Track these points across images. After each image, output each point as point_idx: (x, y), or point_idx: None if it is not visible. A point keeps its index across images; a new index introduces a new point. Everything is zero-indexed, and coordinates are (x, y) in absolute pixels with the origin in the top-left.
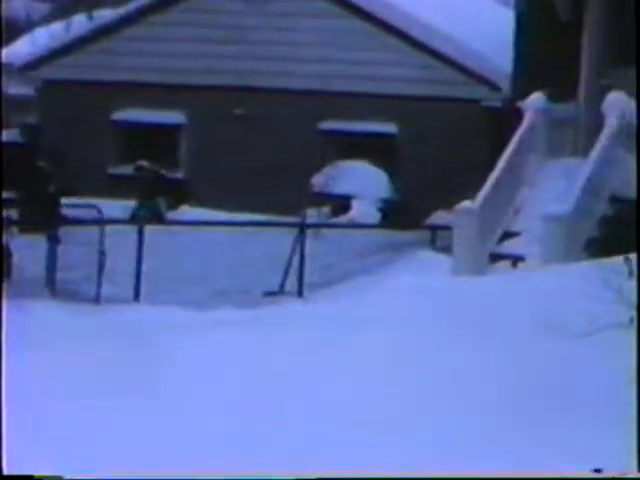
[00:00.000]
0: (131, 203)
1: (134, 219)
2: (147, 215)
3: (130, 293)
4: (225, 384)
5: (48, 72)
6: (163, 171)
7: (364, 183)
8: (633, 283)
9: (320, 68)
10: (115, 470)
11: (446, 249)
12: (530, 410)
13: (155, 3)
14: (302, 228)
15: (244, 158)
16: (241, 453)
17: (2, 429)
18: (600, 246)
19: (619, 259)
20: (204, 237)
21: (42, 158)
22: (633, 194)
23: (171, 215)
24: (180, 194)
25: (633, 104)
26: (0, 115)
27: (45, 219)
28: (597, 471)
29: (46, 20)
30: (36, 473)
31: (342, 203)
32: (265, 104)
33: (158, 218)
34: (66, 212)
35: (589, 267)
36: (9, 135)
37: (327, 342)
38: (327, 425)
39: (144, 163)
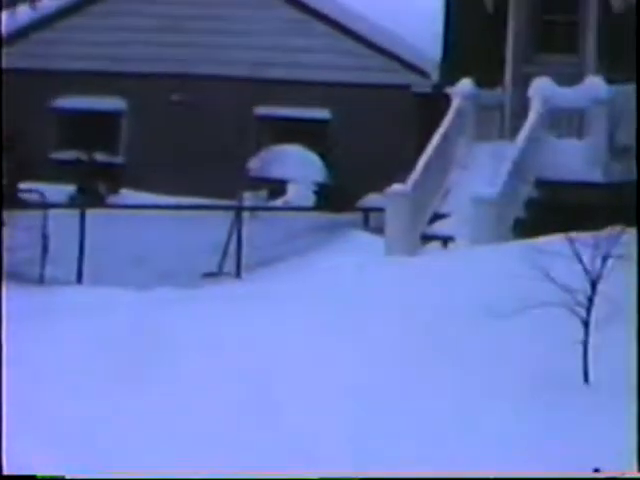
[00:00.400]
0: (73, 187)
1: (73, 203)
2: (85, 199)
3: (73, 275)
4: (165, 358)
5: None
6: (102, 156)
7: (299, 167)
8: (564, 263)
9: (255, 55)
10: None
11: (379, 230)
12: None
13: None
14: (239, 211)
15: (182, 143)
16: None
17: (2, 429)
18: (526, 227)
19: (545, 239)
20: (146, 220)
21: None
22: (557, 177)
23: (112, 199)
24: (120, 178)
25: (557, 89)
26: (0, 116)
27: None
28: (597, 471)
29: None
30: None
31: (278, 186)
32: (202, 91)
33: (98, 202)
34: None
35: (516, 247)
36: None
37: (257, 315)
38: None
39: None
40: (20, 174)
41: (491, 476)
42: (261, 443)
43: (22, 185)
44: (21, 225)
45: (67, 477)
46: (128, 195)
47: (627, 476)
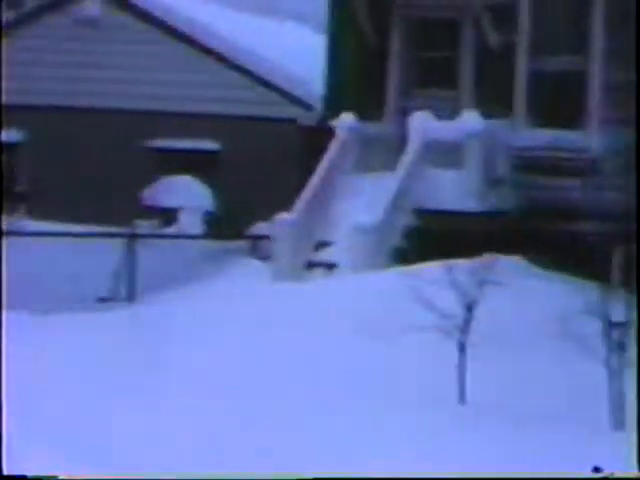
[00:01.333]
0: None
1: None
2: None
3: None
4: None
5: None
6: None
7: (189, 196)
8: (441, 289)
9: (148, 89)
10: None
11: (267, 257)
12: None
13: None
14: (132, 238)
15: (79, 174)
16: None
17: (2, 429)
18: (406, 255)
19: (423, 266)
20: (42, 246)
21: None
22: (435, 206)
23: (10, 227)
24: (18, 207)
25: (435, 123)
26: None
27: None
28: (597, 471)
29: None
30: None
31: (170, 215)
32: (97, 123)
33: None
34: None
35: (395, 274)
36: None
37: (145, 342)
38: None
39: None
40: None
41: (491, 476)
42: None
43: None
44: None
45: (60, 477)
46: (26, 223)
47: (627, 476)
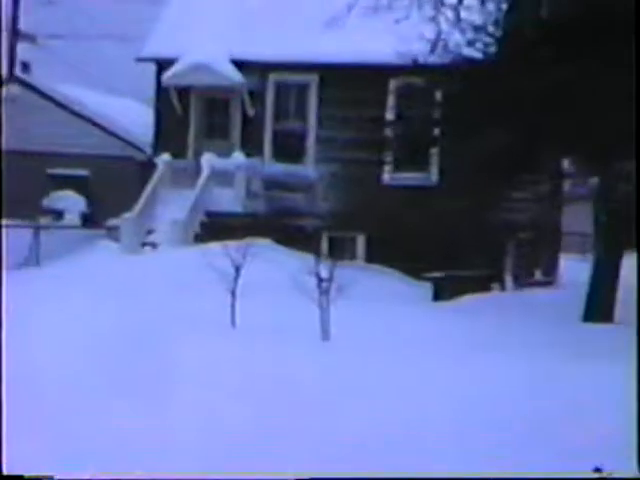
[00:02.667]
0: None
1: None
2: None
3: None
4: None
5: None
6: None
7: (71, 203)
8: (221, 258)
9: (46, 139)
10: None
11: (117, 240)
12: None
13: None
14: (38, 228)
15: (9, 192)
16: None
17: (2, 429)
18: (201, 239)
19: (211, 245)
20: None
21: None
22: (217, 209)
23: None
24: None
25: (217, 159)
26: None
27: None
28: (597, 471)
29: None
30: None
31: (59, 214)
32: (17, 160)
33: None
34: None
35: (195, 249)
36: None
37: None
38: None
39: None
40: None
41: (491, 476)
42: None
43: None
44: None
45: (56, 477)
46: None
47: (627, 476)
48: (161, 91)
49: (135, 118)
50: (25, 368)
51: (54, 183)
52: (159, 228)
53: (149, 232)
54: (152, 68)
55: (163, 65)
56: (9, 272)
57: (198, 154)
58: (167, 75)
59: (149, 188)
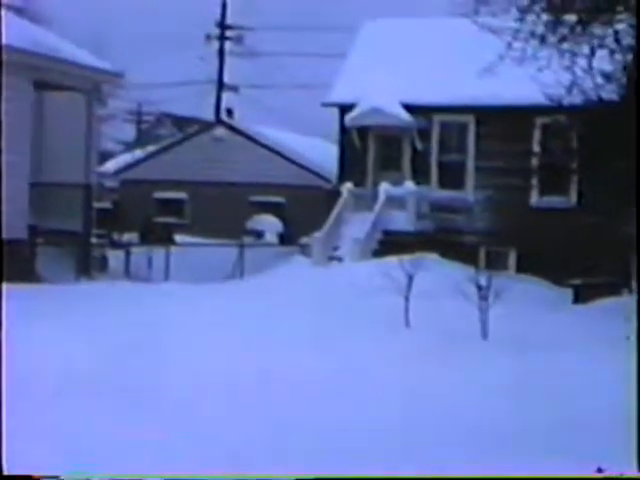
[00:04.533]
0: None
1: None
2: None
3: (162, 277)
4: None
5: (124, 176)
6: (175, 220)
7: (270, 225)
8: (396, 269)
9: (249, 172)
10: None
11: (308, 255)
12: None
13: (172, 143)
14: (242, 246)
15: (215, 214)
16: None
17: (2, 429)
18: (377, 254)
19: (388, 259)
20: (196, 250)
21: (118, 214)
22: (393, 228)
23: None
24: (186, 230)
25: (391, 187)
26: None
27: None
28: (598, 471)
29: (122, 152)
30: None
31: (260, 234)
32: (224, 188)
33: (172, 242)
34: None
35: (374, 262)
36: (105, 204)
37: (250, 298)
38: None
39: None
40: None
41: (491, 476)
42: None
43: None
44: (139, 254)
45: (62, 477)
46: (186, 238)
47: (627, 476)
48: (344, 131)
49: (323, 154)
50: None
51: (255, 208)
52: (343, 245)
53: (335, 248)
54: (335, 112)
55: (345, 109)
56: (218, 283)
57: (375, 183)
58: (349, 117)
59: (335, 212)
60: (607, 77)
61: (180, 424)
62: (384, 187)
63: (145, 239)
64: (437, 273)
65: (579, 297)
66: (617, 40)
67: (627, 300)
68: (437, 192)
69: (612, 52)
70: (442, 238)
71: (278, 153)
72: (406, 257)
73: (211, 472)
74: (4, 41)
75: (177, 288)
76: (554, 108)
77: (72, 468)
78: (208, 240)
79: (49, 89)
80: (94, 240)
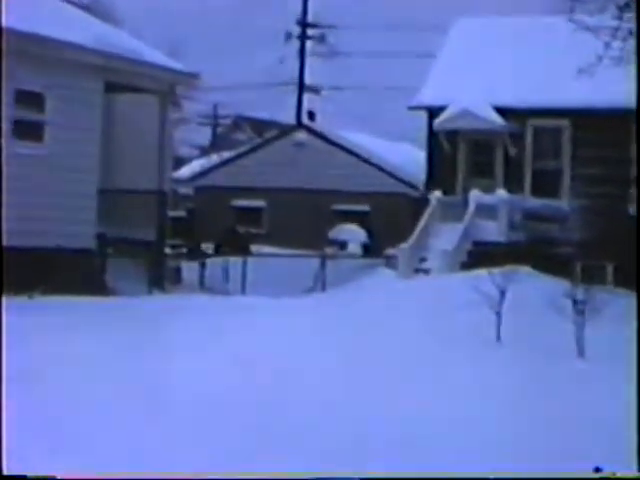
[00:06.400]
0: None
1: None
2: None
3: (239, 289)
4: (282, 335)
5: (199, 182)
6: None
7: (354, 235)
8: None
9: (332, 179)
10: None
11: (393, 267)
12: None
13: (250, 148)
14: (324, 257)
15: (296, 223)
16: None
17: (2, 429)
18: (467, 266)
19: (479, 272)
20: (275, 261)
21: (193, 223)
22: (483, 239)
23: (255, 250)
24: (263, 240)
25: (482, 195)
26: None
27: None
28: (597, 471)
29: (197, 157)
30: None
31: (343, 245)
32: (305, 196)
33: (248, 252)
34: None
35: (464, 276)
36: (179, 213)
37: (336, 313)
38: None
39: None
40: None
41: (491, 476)
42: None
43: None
44: (215, 265)
45: (58, 477)
46: (265, 248)
47: (627, 476)
48: (432, 135)
49: (410, 160)
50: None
51: (338, 217)
52: (430, 257)
53: (422, 260)
54: (423, 115)
55: (434, 112)
56: (299, 297)
57: (465, 191)
58: (438, 121)
59: (422, 221)
60: None
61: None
62: (474, 195)
63: (220, 249)
64: (530, 286)
65: None
66: None
67: None
68: (530, 200)
69: None
70: (535, 249)
71: (362, 159)
72: (497, 270)
73: (211, 473)
74: (72, 38)
75: (257, 302)
76: None
77: None
78: (287, 251)
79: (121, 91)
80: (168, 250)
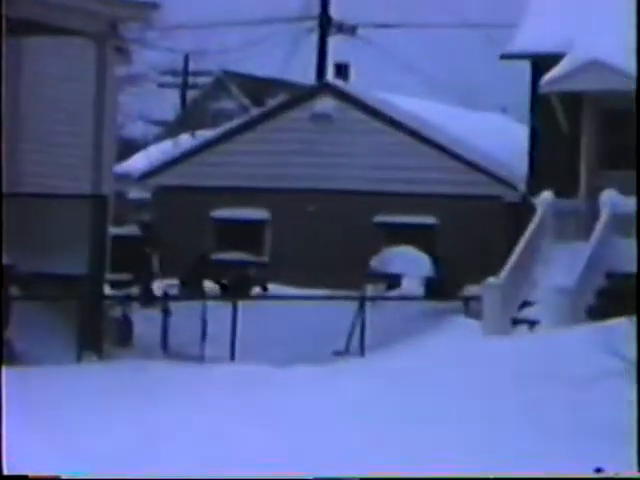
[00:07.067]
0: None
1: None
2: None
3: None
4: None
5: (161, 180)
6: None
7: (411, 264)
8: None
9: (373, 174)
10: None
11: (476, 315)
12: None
13: (242, 124)
14: (362, 300)
15: (315, 246)
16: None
17: (2, 429)
18: (597, 313)
19: (614, 324)
20: (285, 308)
21: (149, 246)
22: (625, 269)
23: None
24: (264, 274)
25: (622, 199)
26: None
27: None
28: (598, 471)
29: (158, 139)
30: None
31: (394, 280)
32: (330, 202)
33: (247, 294)
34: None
35: (594, 331)
36: (128, 230)
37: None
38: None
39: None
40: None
41: (491, 476)
42: None
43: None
44: (183, 313)
45: (63, 477)
46: (271, 288)
47: (627, 476)
48: (539, 101)
49: (500, 140)
50: None
51: (385, 235)
52: (538, 298)
53: (524, 304)
54: (524, 68)
55: (540, 64)
56: (325, 366)
57: (594, 190)
58: (547, 78)
59: (523, 240)
60: None
61: None
62: (609, 197)
63: (196, 288)
64: None
65: None
66: None
67: None
68: None
69: None
70: None
71: (424, 139)
72: None
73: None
74: None
75: (257, 374)
76: None
77: None
78: (302, 290)
79: (32, 33)
80: (109, 291)
